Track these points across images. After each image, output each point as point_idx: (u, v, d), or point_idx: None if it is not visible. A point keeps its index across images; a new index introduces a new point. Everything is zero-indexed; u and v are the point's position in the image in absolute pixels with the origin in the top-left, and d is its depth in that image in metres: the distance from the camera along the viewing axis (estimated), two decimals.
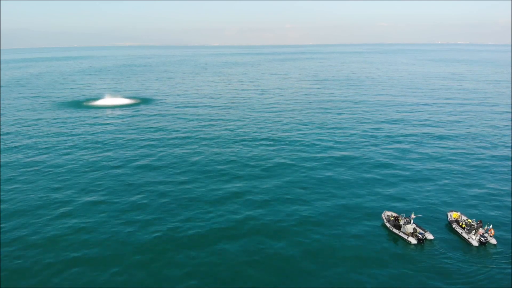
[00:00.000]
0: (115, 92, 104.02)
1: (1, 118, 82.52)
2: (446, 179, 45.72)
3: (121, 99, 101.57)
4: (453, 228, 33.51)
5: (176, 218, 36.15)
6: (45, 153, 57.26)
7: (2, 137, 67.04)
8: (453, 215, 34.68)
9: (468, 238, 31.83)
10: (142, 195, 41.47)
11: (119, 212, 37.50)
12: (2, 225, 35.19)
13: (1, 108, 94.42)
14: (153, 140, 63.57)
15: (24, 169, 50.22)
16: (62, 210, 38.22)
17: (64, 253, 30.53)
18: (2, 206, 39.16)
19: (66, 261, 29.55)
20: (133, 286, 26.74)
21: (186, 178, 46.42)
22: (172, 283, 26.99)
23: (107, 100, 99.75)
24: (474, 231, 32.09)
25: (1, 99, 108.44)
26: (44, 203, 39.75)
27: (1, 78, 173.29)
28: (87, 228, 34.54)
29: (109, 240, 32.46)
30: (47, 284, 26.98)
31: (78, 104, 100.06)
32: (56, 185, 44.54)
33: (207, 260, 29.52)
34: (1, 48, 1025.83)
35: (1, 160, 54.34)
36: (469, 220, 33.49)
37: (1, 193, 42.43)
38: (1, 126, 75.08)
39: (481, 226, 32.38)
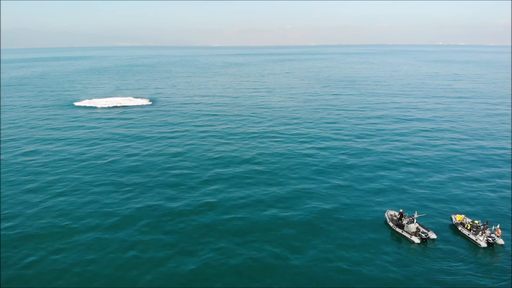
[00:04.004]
0: (117, 91, 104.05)
1: (1, 118, 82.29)
2: (448, 179, 45.37)
3: (123, 98, 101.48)
4: (459, 230, 33.14)
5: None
6: (43, 150, 57.11)
7: (2, 137, 66.70)
8: (457, 217, 34.30)
9: (476, 239, 31.47)
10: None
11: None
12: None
13: (1, 108, 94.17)
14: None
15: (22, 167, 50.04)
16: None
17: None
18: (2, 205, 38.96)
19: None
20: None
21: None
22: None
23: (109, 99, 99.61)
24: (481, 232, 31.73)
25: (1, 99, 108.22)
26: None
27: (2, 77, 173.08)
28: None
29: None
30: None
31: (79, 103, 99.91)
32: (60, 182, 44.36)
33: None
34: (1, 48, 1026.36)
35: (1, 161, 54.07)
36: (475, 221, 33.11)
37: (2, 193, 42.18)
38: (1, 126, 74.77)
39: (488, 227, 32.02)
